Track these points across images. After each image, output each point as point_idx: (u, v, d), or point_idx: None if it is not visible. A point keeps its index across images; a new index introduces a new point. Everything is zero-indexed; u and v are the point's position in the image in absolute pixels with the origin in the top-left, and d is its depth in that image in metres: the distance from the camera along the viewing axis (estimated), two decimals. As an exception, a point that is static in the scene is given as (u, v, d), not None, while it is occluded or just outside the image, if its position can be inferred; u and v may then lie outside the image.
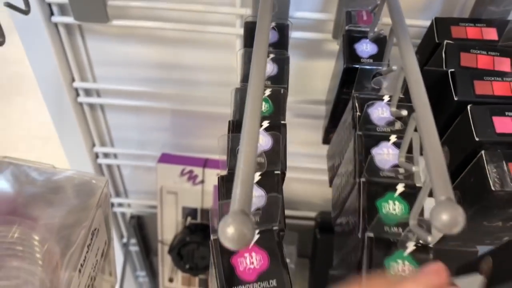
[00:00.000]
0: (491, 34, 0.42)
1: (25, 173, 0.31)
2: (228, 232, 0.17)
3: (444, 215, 0.18)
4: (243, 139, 0.20)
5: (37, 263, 0.29)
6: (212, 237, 0.25)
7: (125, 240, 0.81)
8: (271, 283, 0.24)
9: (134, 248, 0.84)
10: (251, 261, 0.24)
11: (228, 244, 0.17)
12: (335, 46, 0.48)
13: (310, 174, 0.64)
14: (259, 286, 0.24)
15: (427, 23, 0.44)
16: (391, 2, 0.33)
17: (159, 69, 0.58)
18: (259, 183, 0.28)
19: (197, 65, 0.57)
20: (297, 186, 0.69)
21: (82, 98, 0.58)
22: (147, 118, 0.63)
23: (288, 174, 0.66)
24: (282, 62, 0.37)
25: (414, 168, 0.26)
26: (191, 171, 0.64)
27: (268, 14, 0.29)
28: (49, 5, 0.49)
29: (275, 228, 0.25)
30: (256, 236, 0.25)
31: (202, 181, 0.64)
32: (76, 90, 0.58)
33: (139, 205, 0.75)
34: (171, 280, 0.72)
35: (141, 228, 0.79)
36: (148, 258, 0.84)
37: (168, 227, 0.68)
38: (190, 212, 0.66)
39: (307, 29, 0.50)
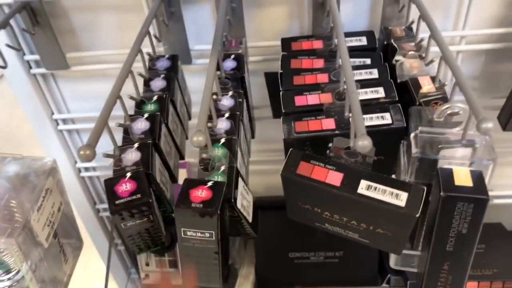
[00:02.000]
0: (318, 44, 0.61)
1: (7, 161, 0.51)
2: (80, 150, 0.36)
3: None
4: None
5: (15, 217, 0.48)
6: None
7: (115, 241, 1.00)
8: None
9: (122, 247, 1.03)
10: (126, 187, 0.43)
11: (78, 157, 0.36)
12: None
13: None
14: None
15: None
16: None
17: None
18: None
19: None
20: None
21: (61, 126, 0.79)
22: (113, 136, 0.83)
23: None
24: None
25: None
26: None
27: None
28: (28, 61, 0.71)
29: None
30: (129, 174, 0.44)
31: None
32: (56, 120, 0.79)
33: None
34: (147, 264, 0.91)
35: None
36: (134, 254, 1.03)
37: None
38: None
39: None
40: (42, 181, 0.49)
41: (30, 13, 0.63)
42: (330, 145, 0.50)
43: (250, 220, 0.45)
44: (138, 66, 0.71)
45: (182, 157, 0.61)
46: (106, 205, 0.95)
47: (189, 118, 0.66)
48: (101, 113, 0.40)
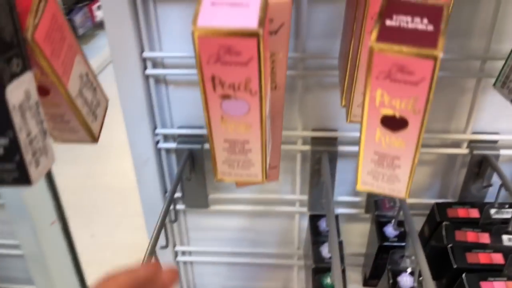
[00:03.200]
0: (474, 213, 0.62)
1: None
2: None
3: None
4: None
5: None
6: None
7: None
8: None
9: None
10: None
11: None
12: (365, 216, 0.70)
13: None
14: None
15: (430, 201, 0.65)
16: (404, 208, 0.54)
17: (237, 231, 0.78)
18: None
19: (265, 230, 0.77)
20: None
21: (180, 258, 0.79)
22: (228, 268, 0.83)
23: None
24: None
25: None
26: (260, 311, 0.81)
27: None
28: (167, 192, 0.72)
29: None
30: None
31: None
32: (176, 252, 0.78)
33: None
34: None
35: None
36: None
37: None
38: None
39: (348, 206, 0.71)
40: None
41: (190, 160, 0.65)
42: None
43: None
44: (284, 210, 0.72)
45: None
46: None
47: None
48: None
